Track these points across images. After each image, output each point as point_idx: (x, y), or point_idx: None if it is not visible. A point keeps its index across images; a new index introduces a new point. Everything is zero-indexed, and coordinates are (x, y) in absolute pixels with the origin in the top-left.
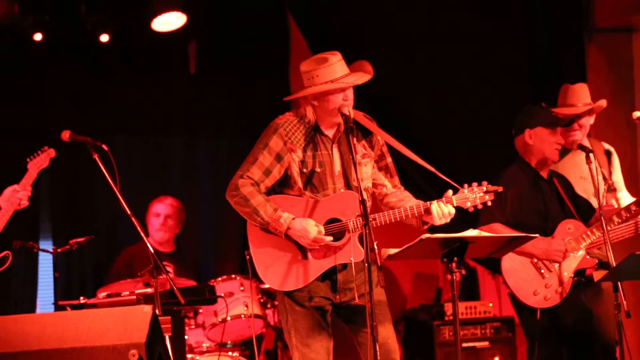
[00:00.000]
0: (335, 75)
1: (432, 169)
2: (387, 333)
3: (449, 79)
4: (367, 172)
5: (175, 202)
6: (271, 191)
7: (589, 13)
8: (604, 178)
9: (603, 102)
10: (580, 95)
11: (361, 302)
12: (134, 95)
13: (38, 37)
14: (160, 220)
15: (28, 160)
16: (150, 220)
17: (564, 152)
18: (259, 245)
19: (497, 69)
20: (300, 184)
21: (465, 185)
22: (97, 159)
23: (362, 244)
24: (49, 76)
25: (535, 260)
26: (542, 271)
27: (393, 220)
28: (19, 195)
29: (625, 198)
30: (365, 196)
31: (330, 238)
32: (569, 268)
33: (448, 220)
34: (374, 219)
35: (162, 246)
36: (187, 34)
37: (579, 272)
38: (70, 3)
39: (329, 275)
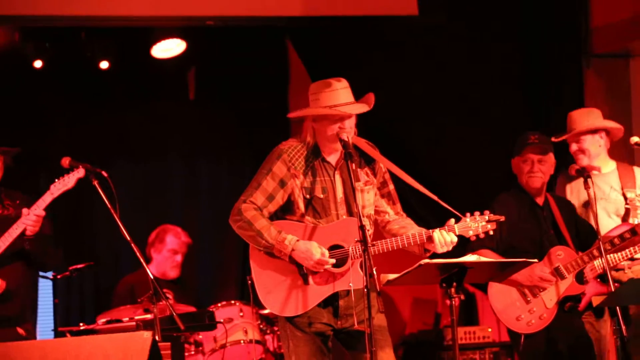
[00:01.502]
0: (335, 102)
1: (435, 197)
2: (388, 358)
3: (447, 105)
4: (369, 199)
5: (188, 239)
6: (273, 217)
7: (587, 39)
8: (625, 198)
9: (603, 123)
10: (576, 120)
11: (361, 328)
12: (133, 121)
13: (38, 64)
14: (179, 259)
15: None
16: (164, 253)
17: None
18: (261, 270)
19: (495, 95)
20: (302, 209)
21: (468, 214)
22: (96, 185)
23: (363, 271)
24: (48, 102)
25: (521, 285)
26: (526, 296)
27: (395, 248)
28: (24, 220)
29: None
30: (366, 222)
31: (333, 261)
32: (554, 294)
33: (450, 248)
34: (373, 245)
35: (158, 273)
36: (186, 61)
37: (574, 298)
38: (70, 30)
39: (331, 301)
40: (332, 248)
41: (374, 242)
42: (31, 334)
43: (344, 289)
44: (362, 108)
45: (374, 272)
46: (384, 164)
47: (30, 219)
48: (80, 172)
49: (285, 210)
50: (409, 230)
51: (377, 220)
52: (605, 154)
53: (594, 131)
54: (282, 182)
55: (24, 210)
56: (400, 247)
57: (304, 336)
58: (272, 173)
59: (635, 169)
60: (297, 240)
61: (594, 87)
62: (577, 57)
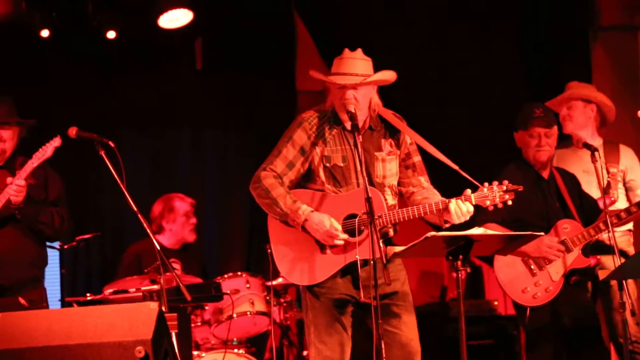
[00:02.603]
0: (338, 70)
1: (456, 168)
2: (411, 334)
3: (454, 78)
4: (391, 169)
5: (192, 200)
6: (297, 185)
7: (595, 12)
8: (608, 172)
9: (597, 95)
10: (572, 87)
11: (387, 301)
12: (140, 91)
13: (45, 33)
14: (194, 220)
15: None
16: (179, 220)
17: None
18: (279, 239)
19: (502, 68)
20: (323, 178)
21: (486, 184)
22: (103, 155)
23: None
24: (55, 72)
25: (527, 257)
26: (533, 269)
27: (408, 218)
28: (7, 189)
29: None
30: (388, 192)
31: (346, 236)
32: (561, 267)
33: (467, 218)
34: (379, 217)
35: (171, 244)
36: (193, 31)
37: (580, 271)
38: (77, 0)
39: (351, 272)
40: (348, 217)
41: (382, 213)
42: (37, 305)
43: (361, 259)
44: (352, 80)
45: (381, 245)
46: (409, 135)
47: (12, 188)
48: (57, 142)
49: (307, 179)
50: (430, 200)
51: (401, 191)
52: (593, 129)
53: (587, 101)
54: (302, 150)
55: (8, 180)
56: (414, 217)
57: (322, 307)
58: (292, 141)
59: (622, 146)
60: (312, 211)
61: (601, 60)
62: (584, 30)
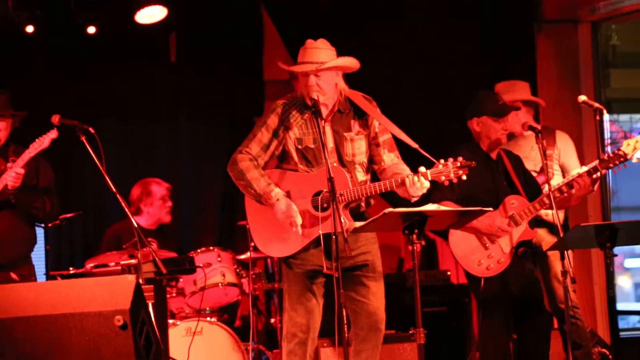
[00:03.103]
0: (303, 59)
1: (416, 146)
2: (378, 303)
3: (411, 64)
4: (359, 147)
5: (168, 184)
6: (272, 166)
7: (538, 6)
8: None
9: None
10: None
11: (359, 273)
12: (119, 82)
13: (30, 29)
14: (170, 203)
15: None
16: (156, 203)
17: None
18: (255, 216)
19: (456, 57)
20: (296, 159)
21: (441, 161)
22: (84, 141)
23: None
24: (40, 65)
25: (479, 233)
26: (486, 244)
27: (367, 194)
28: (4, 176)
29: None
30: (359, 170)
31: (299, 222)
32: (510, 240)
33: (424, 191)
34: (342, 195)
35: (148, 225)
36: (168, 26)
37: (527, 243)
38: None
39: (324, 245)
40: (316, 194)
41: (345, 190)
42: (26, 279)
43: (325, 233)
44: (312, 67)
45: (343, 220)
46: (372, 116)
47: (10, 175)
48: (53, 134)
49: (282, 159)
50: (398, 177)
51: (374, 168)
52: (529, 119)
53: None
54: (275, 133)
55: (8, 165)
56: (375, 192)
57: (295, 277)
58: (266, 125)
59: (558, 132)
60: (283, 196)
61: (545, 50)
62: (529, 22)
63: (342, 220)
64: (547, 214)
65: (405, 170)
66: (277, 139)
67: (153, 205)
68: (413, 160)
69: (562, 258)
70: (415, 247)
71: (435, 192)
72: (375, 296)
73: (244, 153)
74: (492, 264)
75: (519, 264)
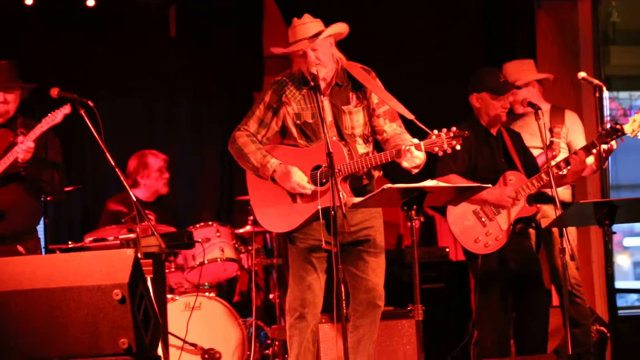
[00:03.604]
0: (294, 39)
1: (412, 117)
2: (377, 279)
3: (411, 41)
4: (358, 120)
5: (165, 156)
6: (274, 142)
7: None
8: (552, 133)
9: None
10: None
11: (361, 248)
12: (118, 57)
13: (29, 1)
14: (167, 175)
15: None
16: (152, 175)
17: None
18: (255, 191)
19: (456, 34)
20: (295, 134)
21: (435, 131)
22: (83, 114)
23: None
24: (39, 38)
25: (477, 209)
26: (483, 220)
27: (364, 167)
28: (16, 148)
29: None
30: (360, 142)
31: (311, 187)
32: (508, 217)
33: (417, 162)
34: (339, 171)
35: (146, 197)
36: (167, 0)
37: (525, 220)
38: None
39: (327, 218)
40: (315, 168)
41: (342, 164)
42: (32, 252)
43: (323, 207)
44: (303, 44)
45: (341, 196)
46: (368, 87)
47: (21, 148)
48: (66, 109)
49: (283, 135)
50: (394, 149)
51: (377, 138)
52: (539, 97)
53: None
54: (274, 109)
55: (19, 139)
56: (371, 165)
57: (297, 251)
58: (264, 102)
59: (567, 111)
60: (280, 164)
61: (544, 26)
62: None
63: (341, 195)
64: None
65: (408, 139)
66: (276, 116)
67: (150, 177)
68: (412, 131)
69: (561, 235)
70: (414, 224)
71: (441, 166)
72: (375, 272)
73: (242, 130)
74: (489, 241)
75: (517, 241)
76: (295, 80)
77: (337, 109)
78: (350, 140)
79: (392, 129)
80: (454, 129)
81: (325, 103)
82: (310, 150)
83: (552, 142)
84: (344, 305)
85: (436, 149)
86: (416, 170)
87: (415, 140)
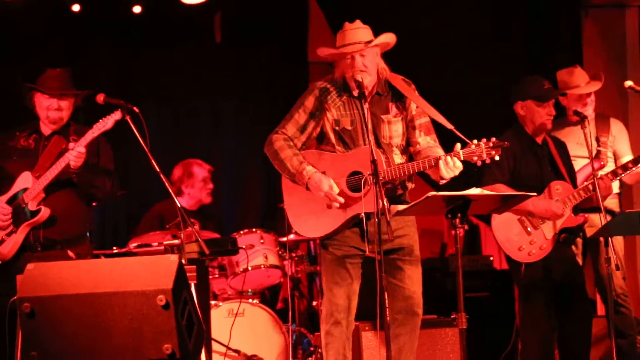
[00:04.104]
0: (342, 43)
1: (452, 127)
2: (414, 287)
3: (454, 49)
4: (397, 130)
5: (210, 166)
6: (311, 147)
7: None
8: (598, 142)
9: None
10: (574, 82)
11: (395, 255)
12: (163, 62)
13: (76, 7)
14: (211, 185)
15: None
16: (197, 185)
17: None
18: (291, 197)
19: (499, 41)
20: (333, 140)
21: (474, 141)
22: (129, 120)
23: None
24: (85, 44)
25: (522, 218)
26: (528, 229)
27: (401, 175)
28: (67, 154)
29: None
30: (397, 152)
31: (341, 200)
32: (553, 226)
33: (456, 173)
34: (383, 178)
35: (190, 205)
36: (213, 6)
37: (569, 229)
38: None
39: (359, 226)
40: (352, 174)
41: (382, 175)
42: (82, 258)
43: (358, 213)
44: (356, 47)
45: (385, 203)
46: (410, 99)
47: (72, 154)
48: (117, 115)
49: (320, 141)
50: (431, 158)
51: (410, 150)
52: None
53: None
54: (313, 114)
55: (70, 145)
56: (408, 173)
57: (331, 258)
58: (304, 106)
59: (612, 119)
60: (315, 172)
61: (591, 35)
62: (575, 7)
63: (384, 202)
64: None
65: (439, 153)
66: (314, 121)
67: (194, 186)
68: (451, 142)
69: (606, 244)
70: (458, 232)
71: (488, 174)
72: (412, 280)
73: (280, 133)
74: (534, 249)
75: (560, 251)
76: (336, 86)
77: (376, 118)
78: (387, 149)
79: (425, 141)
80: (493, 139)
81: (365, 110)
82: (348, 156)
83: (599, 152)
84: (387, 312)
85: (475, 158)
86: (444, 181)
87: (457, 148)
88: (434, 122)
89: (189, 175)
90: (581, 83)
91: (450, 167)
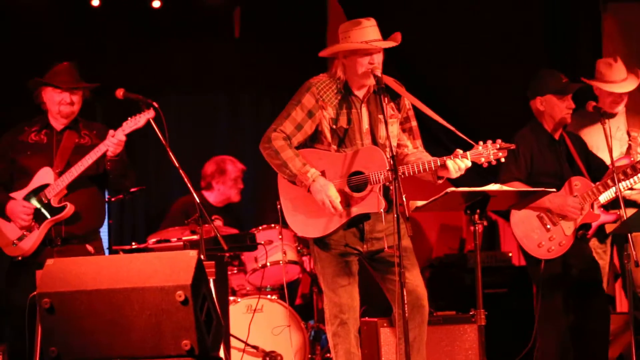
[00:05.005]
0: (364, 38)
1: (452, 128)
2: (416, 280)
3: (471, 44)
4: (392, 131)
5: (243, 166)
6: (302, 146)
7: None
8: (629, 136)
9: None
10: (614, 75)
11: (390, 252)
12: (182, 58)
13: (96, 2)
14: (241, 184)
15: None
16: (228, 182)
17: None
18: (288, 196)
19: (516, 36)
20: (329, 139)
21: (480, 142)
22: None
23: (384, 196)
24: (105, 39)
25: (541, 214)
26: (547, 225)
27: (412, 173)
28: (107, 142)
29: None
30: (388, 154)
31: (340, 209)
32: (572, 222)
33: (463, 172)
34: (403, 173)
35: (217, 202)
36: (232, 1)
37: (586, 226)
38: None
39: (355, 225)
40: (353, 174)
41: (382, 171)
42: (97, 253)
43: (361, 213)
44: (390, 44)
45: (404, 199)
46: (409, 99)
47: (113, 141)
48: (150, 113)
49: (314, 140)
50: (423, 161)
51: (397, 152)
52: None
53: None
54: (310, 112)
55: (110, 132)
56: (413, 173)
57: (328, 257)
58: (301, 104)
59: None
60: (319, 175)
61: (610, 29)
62: (594, 2)
63: (404, 199)
64: (630, 194)
65: (428, 157)
66: (311, 119)
67: (225, 184)
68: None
69: (626, 241)
70: (477, 228)
71: (505, 172)
72: (412, 273)
73: (278, 132)
74: (553, 246)
75: (579, 247)
76: (333, 84)
77: (373, 117)
78: (382, 149)
79: (413, 145)
80: (499, 140)
81: (363, 110)
82: (347, 155)
83: (630, 146)
84: (405, 308)
85: (482, 159)
86: (440, 181)
87: (460, 151)
88: (434, 123)
89: (221, 172)
90: (617, 79)
91: (461, 167)
